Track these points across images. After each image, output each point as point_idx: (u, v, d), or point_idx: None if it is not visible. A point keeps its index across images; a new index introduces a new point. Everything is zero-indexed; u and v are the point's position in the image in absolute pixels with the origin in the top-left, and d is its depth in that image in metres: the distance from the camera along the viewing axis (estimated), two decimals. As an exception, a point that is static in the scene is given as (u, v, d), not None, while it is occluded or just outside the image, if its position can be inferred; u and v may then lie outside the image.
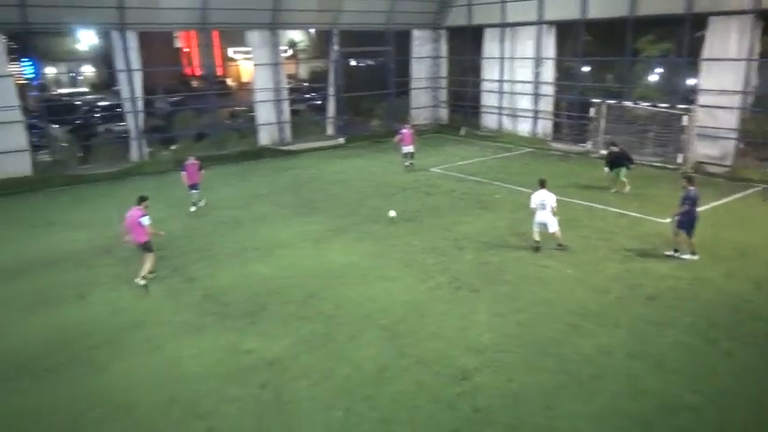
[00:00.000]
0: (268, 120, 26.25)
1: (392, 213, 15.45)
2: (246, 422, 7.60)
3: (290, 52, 47.06)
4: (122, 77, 22.39)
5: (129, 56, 22.05)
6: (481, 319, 10.17)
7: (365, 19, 28.04)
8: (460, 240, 14.15)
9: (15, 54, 30.44)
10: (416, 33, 30.48)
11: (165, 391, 8.30)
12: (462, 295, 11.15)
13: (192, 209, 17.05)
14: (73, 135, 25.05)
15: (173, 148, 24.86)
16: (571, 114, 26.37)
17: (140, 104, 22.96)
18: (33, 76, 32.02)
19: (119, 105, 24.53)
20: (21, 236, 15.26)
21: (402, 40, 30.12)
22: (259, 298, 11.20)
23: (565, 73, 27.35)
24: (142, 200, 11.83)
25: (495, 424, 7.44)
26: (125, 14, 21.45)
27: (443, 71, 31.86)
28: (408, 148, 21.67)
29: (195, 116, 28.02)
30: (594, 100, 23.62)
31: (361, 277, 12.12)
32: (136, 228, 11.66)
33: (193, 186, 16.97)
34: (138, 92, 22.69)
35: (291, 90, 30.28)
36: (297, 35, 49.79)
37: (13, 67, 26.96)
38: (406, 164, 21.89)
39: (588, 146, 24.07)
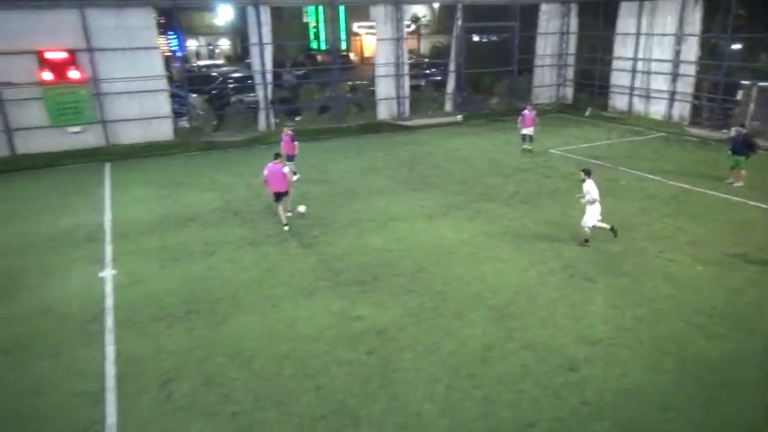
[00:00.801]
0: (387, 94, 26.55)
1: (301, 209, 14.27)
2: (352, 385, 7.92)
3: (413, 27, 47.05)
4: (255, 51, 23.65)
5: (262, 30, 23.18)
6: (595, 309, 9.74)
7: (491, -8, 27.32)
8: (577, 226, 13.55)
9: (162, 28, 33.26)
10: (544, 8, 29.16)
11: (280, 347, 8.86)
12: (576, 283, 10.72)
13: None
14: (209, 104, 27.10)
15: (297, 119, 26.06)
16: (713, 97, 24.03)
17: (269, 77, 24.15)
18: (177, 48, 34.78)
19: (250, 77, 26.11)
20: (162, 194, 16.80)
21: (528, 15, 28.91)
22: (371, 268, 11.53)
23: (710, 51, 24.89)
24: (277, 156, 13.58)
25: (602, 419, 7.15)
26: (260, -10, 22.56)
27: (571, 48, 30.28)
28: (528, 131, 20.77)
29: (319, 89, 29.13)
30: (744, 82, 21.32)
31: (472, 256, 12.05)
32: (280, 179, 13.28)
33: (288, 158, 17.53)
34: (269, 65, 23.83)
35: (412, 65, 30.32)
36: (420, 10, 49.62)
37: (161, 41, 29.48)
38: (524, 146, 21.14)
39: (732, 132, 21.74)
